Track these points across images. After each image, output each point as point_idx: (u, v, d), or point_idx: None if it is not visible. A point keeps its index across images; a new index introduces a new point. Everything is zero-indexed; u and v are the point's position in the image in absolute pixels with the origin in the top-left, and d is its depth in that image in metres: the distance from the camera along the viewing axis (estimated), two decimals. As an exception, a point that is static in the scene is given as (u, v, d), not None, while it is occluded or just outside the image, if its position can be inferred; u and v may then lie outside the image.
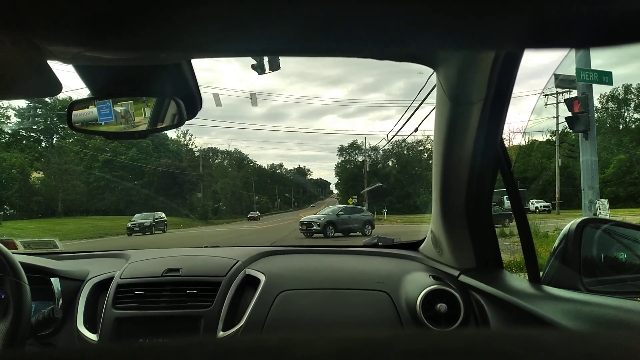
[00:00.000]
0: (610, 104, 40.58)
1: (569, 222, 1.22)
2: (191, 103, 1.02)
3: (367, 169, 41.13)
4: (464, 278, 1.50)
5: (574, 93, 8.16)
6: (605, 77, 7.78)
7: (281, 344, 0.29)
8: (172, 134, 53.89)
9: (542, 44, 0.32)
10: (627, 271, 1.22)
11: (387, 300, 1.54)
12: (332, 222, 16.90)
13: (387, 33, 0.32)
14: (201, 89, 1.05)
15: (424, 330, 1.42)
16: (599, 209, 7.67)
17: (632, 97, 40.56)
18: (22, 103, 35.50)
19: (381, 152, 47.28)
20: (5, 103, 33.14)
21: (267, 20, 0.30)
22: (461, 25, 0.30)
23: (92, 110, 1.02)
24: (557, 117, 23.74)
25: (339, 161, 59.36)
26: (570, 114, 7.87)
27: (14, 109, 36.13)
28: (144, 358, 0.28)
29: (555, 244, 1.24)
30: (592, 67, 7.74)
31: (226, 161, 63.18)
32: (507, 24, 0.30)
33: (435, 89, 1.30)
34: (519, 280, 1.32)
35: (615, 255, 1.26)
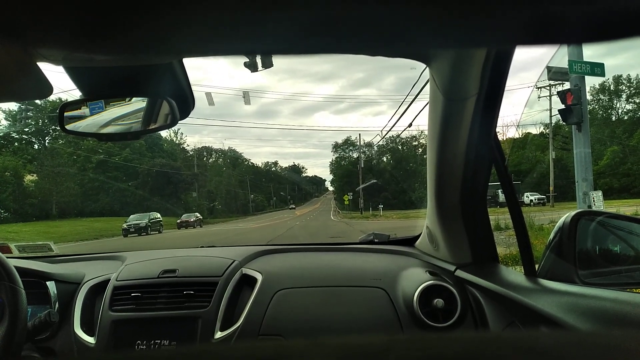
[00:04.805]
0: (602, 96, 40.83)
1: (564, 215, 1.23)
2: (184, 103, 1.01)
3: (362, 166, 41.04)
4: (460, 273, 1.50)
5: (567, 85, 8.18)
6: (597, 69, 7.81)
7: (276, 353, 0.29)
8: (164, 133, 53.75)
9: (535, 41, 0.32)
10: (622, 263, 1.22)
11: (384, 296, 1.54)
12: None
13: (380, 31, 0.32)
14: (193, 88, 1.04)
15: (422, 331, 1.42)
16: (593, 201, 7.71)
17: (624, 88, 40.84)
18: (12, 106, 35.29)
19: (375, 148, 47.28)
20: (-4, 106, 32.87)
21: (259, 19, 0.30)
22: (454, 23, 0.30)
23: (84, 112, 1.01)
24: (550, 110, 23.83)
25: (334, 158, 59.45)
26: (563, 107, 7.91)
27: (4, 112, 35.94)
28: None
29: (551, 237, 1.24)
30: (584, 59, 7.78)
31: (220, 160, 63.05)
32: (500, 21, 0.30)
33: (429, 84, 1.30)
34: (515, 274, 1.32)
35: (610, 247, 1.27)
